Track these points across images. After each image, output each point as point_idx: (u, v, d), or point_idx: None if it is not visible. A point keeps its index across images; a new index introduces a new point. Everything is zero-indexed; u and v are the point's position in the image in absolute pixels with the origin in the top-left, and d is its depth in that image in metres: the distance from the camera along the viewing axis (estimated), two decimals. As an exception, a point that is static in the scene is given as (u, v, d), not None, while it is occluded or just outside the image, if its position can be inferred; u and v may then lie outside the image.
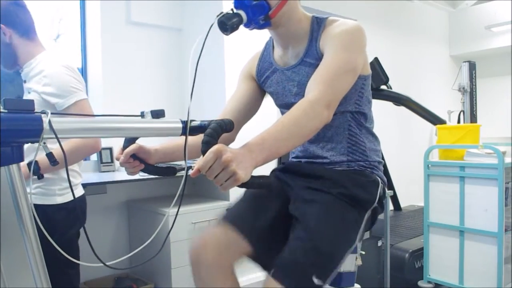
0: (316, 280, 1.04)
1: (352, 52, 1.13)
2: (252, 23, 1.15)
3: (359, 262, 1.32)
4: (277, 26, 1.21)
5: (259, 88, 1.39)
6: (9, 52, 1.57)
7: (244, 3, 1.12)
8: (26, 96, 1.59)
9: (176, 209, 0.98)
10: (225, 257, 1.14)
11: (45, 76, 1.52)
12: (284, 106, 1.32)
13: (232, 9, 1.13)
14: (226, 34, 1.12)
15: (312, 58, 1.22)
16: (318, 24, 1.23)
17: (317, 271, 1.05)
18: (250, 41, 1.92)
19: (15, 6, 1.56)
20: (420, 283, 2.69)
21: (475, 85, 3.55)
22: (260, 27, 1.19)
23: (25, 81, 1.62)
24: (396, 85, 3.29)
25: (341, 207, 1.16)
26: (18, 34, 1.57)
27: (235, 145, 0.97)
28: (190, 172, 0.86)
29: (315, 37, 1.22)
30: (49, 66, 1.55)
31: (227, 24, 1.08)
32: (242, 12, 1.11)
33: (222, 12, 1.10)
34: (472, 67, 3.52)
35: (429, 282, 2.66)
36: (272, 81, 1.33)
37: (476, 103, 3.58)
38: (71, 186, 0.87)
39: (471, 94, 3.54)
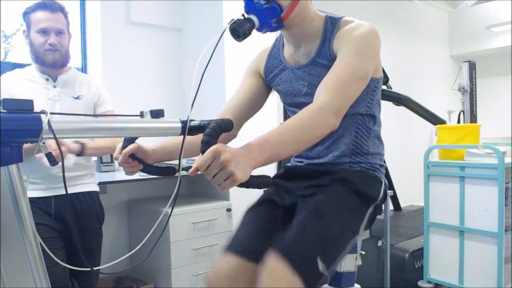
0: (320, 264, 1.01)
1: (365, 58, 1.11)
2: (265, 27, 1.12)
3: (359, 262, 1.32)
4: (290, 27, 1.19)
5: (265, 85, 1.36)
6: (68, 54, 1.77)
7: (255, 7, 1.09)
8: (63, 99, 1.73)
9: (174, 209, 0.97)
10: (238, 284, 1.10)
11: (96, 86, 1.86)
12: (293, 105, 1.30)
13: (243, 14, 1.10)
14: (239, 41, 1.09)
15: (324, 59, 1.19)
16: (332, 24, 1.21)
17: (322, 253, 1.03)
18: (251, 41, 1.91)
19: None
20: (420, 283, 2.68)
21: (475, 85, 3.55)
22: (273, 29, 1.16)
23: (54, 86, 1.74)
24: (396, 85, 3.29)
25: (346, 195, 1.15)
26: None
27: (236, 144, 0.96)
28: (189, 171, 0.86)
29: (328, 37, 1.19)
30: (95, 79, 1.94)
31: (239, 31, 1.06)
32: (253, 17, 1.09)
33: (233, 19, 1.07)
34: (472, 67, 3.52)
35: (429, 282, 2.65)
36: (281, 79, 1.30)
37: (476, 103, 3.58)
38: (65, 182, 0.87)
39: (471, 94, 3.54)
